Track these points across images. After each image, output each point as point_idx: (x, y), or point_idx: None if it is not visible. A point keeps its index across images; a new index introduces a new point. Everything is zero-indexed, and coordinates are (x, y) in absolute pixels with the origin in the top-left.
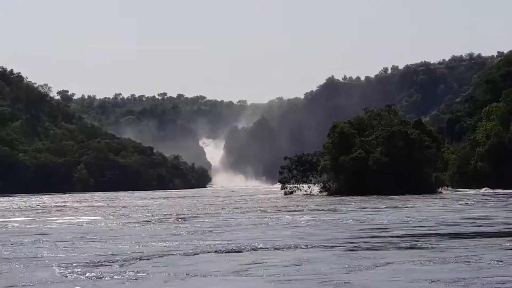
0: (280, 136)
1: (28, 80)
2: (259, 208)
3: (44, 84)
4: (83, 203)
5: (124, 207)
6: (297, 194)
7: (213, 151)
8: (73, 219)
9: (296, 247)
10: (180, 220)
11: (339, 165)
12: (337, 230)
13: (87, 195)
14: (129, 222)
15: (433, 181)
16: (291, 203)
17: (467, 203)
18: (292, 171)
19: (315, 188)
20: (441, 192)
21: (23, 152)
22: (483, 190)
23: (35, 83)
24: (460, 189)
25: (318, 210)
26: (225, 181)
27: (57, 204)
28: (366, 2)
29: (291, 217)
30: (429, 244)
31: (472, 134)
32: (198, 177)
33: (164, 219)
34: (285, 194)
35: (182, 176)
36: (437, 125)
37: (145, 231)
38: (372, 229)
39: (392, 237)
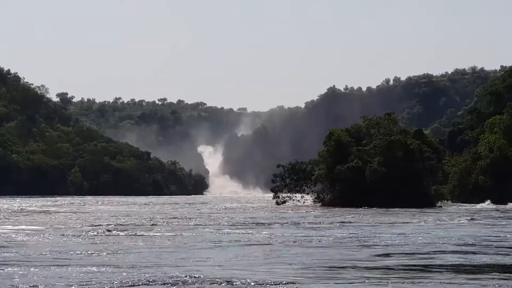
0: (280, 145)
1: (25, 81)
2: (232, 219)
3: (41, 85)
4: (53, 208)
5: (83, 213)
6: (288, 205)
7: (212, 158)
8: (11, 228)
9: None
10: (116, 233)
11: (335, 175)
12: (287, 257)
13: (69, 199)
14: (58, 234)
15: (432, 194)
16: (275, 214)
17: (472, 219)
18: (285, 179)
19: (309, 198)
20: (440, 206)
21: (17, 153)
22: (485, 204)
23: (32, 84)
24: (460, 203)
25: (298, 223)
26: (222, 189)
27: (30, 208)
28: (369, 13)
29: (255, 233)
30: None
31: (474, 146)
32: (195, 184)
33: (99, 231)
34: (277, 203)
35: (178, 182)
36: (438, 138)
37: (53, 245)
38: (337, 260)
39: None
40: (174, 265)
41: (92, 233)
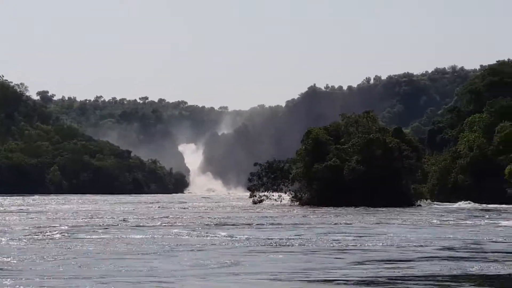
0: (261, 144)
1: (4, 79)
2: (200, 219)
3: (21, 83)
4: (15, 207)
5: (45, 213)
6: (265, 204)
7: (192, 157)
8: None
9: None
10: (58, 236)
11: (312, 174)
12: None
13: (44, 198)
14: None
15: (411, 193)
16: (248, 214)
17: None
18: (262, 178)
19: (286, 197)
20: (419, 205)
21: None
22: (464, 203)
23: (11, 82)
24: (440, 202)
25: (270, 224)
26: (203, 187)
27: None
28: (350, 12)
29: (218, 235)
30: None
31: (454, 145)
32: (176, 183)
33: (39, 234)
34: (254, 202)
35: (159, 181)
36: (418, 137)
37: None
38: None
39: None
40: (90, 276)
41: (32, 237)
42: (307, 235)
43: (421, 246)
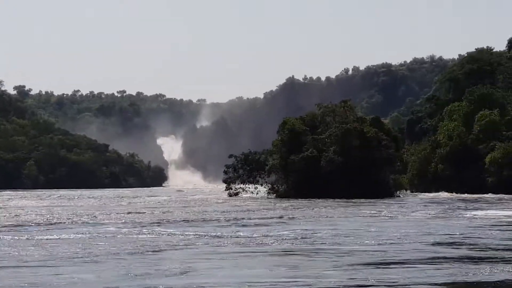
0: (240, 136)
1: None
2: (163, 214)
3: None
4: None
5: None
6: (240, 197)
7: (171, 150)
8: None
9: None
10: None
11: (289, 165)
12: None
13: (15, 193)
14: None
15: (391, 184)
16: (219, 207)
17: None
18: (238, 170)
19: (262, 190)
20: (399, 196)
21: None
22: (443, 193)
23: None
24: (419, 193)
25: (238, 219)
26: (182, 181)
27: None
28: (328, 2)
29: (173, 233)
30: None
31: (433, 135)
32: (154, 176)
33: None
34: (230, 195)
35: (137, 174)
36: (397, 127)
37: None
38: None
39: None
40: None
41: None
42: (280, 231)
43: (405, 243)
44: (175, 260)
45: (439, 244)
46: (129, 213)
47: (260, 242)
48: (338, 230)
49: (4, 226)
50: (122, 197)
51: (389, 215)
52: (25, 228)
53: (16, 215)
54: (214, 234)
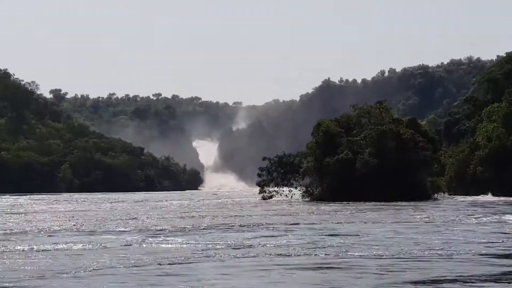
0: (276, 138)
1: (16, 77)
2: (178, 220)
3: (32, 82)
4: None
5: (18, 214)
6: (274, 200)
7: (207, 153)
8: None
9: None
10: None
11: (324, 167)
12: None
13: (48, 196)
14: None
15: (428, 186)
16: (250, 211)
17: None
18: (272, 173)
19: (297, 193)
20: (436, 199)
21: (6, 151)
22: (485, 196)
23: (23, 80)
24: (458, 196)
25: (263, 225)
26: (218, 184)
27: None
28: (364, 4)
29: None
30: None
31: (472, 136)
32: (190, 179)
33: None
34: (264, 198)
35: (172, 177)
36: (434, 129)
37: None
38: None
39: None
40: None
41: None
42: (314, 239)
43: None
44: (203, 274)
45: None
46: (147, 218)
47: (299, 253)
48: (400, 237)
49: (6, 234)
50: (146, 200)
51: (441, 220)
52: (29, 235)
53: (29, 220)
54: (241, 243)
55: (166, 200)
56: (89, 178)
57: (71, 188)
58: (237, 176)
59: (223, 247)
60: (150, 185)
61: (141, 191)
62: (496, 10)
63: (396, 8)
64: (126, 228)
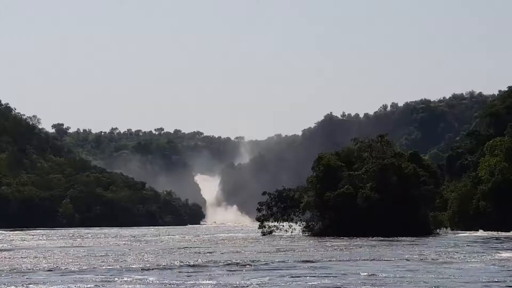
0: (279, 173)
1: (17, 111)
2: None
3: (33, 116)
4: None
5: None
6: (274, 236)
7: (209, 187)
8: None
9: None
10: None
11: (324, 202)
12: None
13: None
14: None
15: (430, 222)
16: (239, 248)
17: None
18: (272, 208)
19: (297, 228)
20: (438, 234)
21: (7, 185)
22: (481, 232)
23: (24, 115)
24: (460, 231)
25: (252, 263)
26: (220, 218)
27: None
28: (366, 38)
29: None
30: None
31: (474, 171)
32: (191, 214)
33: None
34: (263, 234)
35: (174, 212)
36: (436, 163)
37: None
38: None
39: None
40: None
41: None
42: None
43: None
44: None
45: None
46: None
47: None
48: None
49: None
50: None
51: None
52: None
53: (9, 257)
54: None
55: (156, 236)
56: (90, 213)
57: (72, 223)
58: (239, 211)
59: None
60: (151, 220)
61: (143, 226)
62: (498, 45)
63: (398, 42)
64: (88, 267)
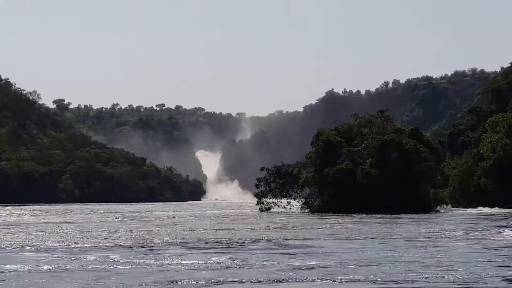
0: (280, 149)
1: (17, 86)
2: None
3: (33, 91)
4: None
5: None
6: (273, 212)
7: (210, 164)
8: None
9: None
10: None
11: (323, 178)
12: None
13: (39, 207)
14: None
15: (430, 198)
16: (234, 225)
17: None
18: (270, 184)
19: (296, 204)
20: (438, 211)
21: (6, 161)
22: (488, 209)
23: (24, 90)
24: (461, 208)
25: (241, 243)
26: (220, 194)
27: None
28: (368, 15)
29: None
30: None
31: (476, 147)
32: (192, 190)
33: None
34: (261, 210)
35: (175, 188)
36: (438, 140)
37: None
38: None
39: None
40: None
41: None
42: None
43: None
44: None
45: None
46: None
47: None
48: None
49: None
50: (137, 212)
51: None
52: None
53: None
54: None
55: (150, 211)
56: (90, 188)
57: (71, 198)
58: (240, 187)
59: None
60: (152, 196)
61: (143, 202)
62: (500, 22)
63: (400, 19)
64: (59, 244)
